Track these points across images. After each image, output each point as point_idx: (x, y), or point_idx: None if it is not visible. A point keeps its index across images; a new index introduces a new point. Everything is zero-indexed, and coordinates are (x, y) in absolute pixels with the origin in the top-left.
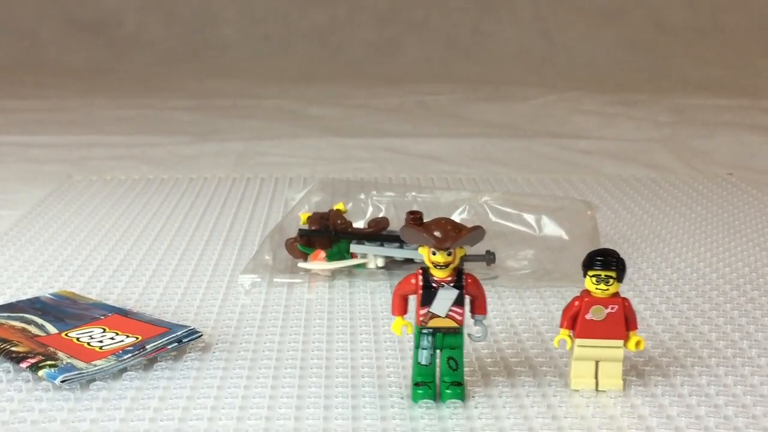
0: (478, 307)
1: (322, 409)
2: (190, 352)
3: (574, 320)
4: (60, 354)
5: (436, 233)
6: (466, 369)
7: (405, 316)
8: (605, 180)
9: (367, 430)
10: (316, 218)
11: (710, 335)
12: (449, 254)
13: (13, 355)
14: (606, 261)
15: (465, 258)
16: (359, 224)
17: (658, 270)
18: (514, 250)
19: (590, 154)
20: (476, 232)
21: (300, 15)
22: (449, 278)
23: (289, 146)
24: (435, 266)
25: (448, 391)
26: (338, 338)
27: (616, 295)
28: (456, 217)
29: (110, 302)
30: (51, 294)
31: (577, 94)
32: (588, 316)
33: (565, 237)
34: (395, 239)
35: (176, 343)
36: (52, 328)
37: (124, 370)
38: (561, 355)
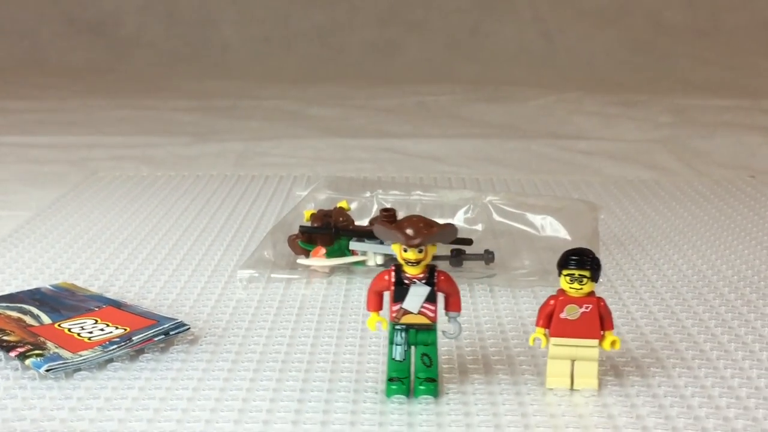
0: (452, 305)
1: (295, 402)
2: (177, 345)
3: (550, 319)
4: (49, 344)
5: (407, 230)
6: (445, 365)
7: (380, 312)
8: (606, 180)
9: (335, 424)
10: (319, 216)
11: (698, 337)
12: (420, 251)
13: (5, 344)
14: (580, 260)
15: (464, 257)
16: (364, 222)
17: (659, 270)
18: (516, 250)
19: (590, 155)
20: (447, 230)
21: (300, 15)
22: (421, 275)
23: (289, 147)
24: (407, 263)
25: (421, 387)
26: (325, 334)
27: (591, 294)
28: (460, 216)
29: (110, 294)
30: (51, 285)
31: (577, 94)
32: (562, 315)
33: (568, 238)
34: None
35: (163, 336)
36: (46, 319)
37: (111, 360)
38: (542, 354)
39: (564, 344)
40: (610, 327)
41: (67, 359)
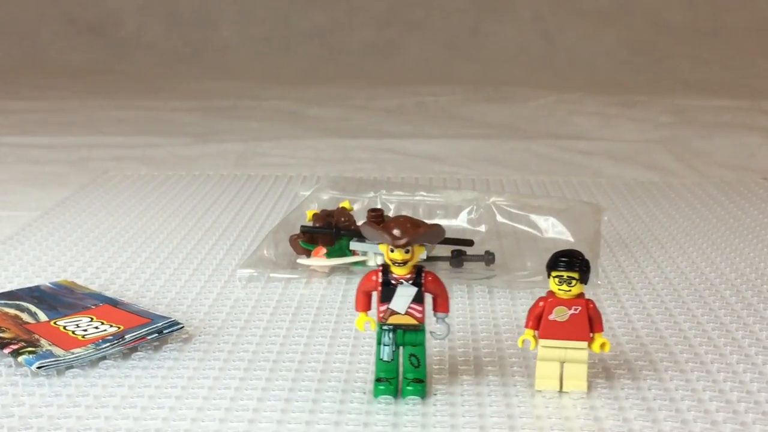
0: (440, 305)
1: (282, 402)
2: (171, 343)
3: (539, 320)
4: (42, 341)
5: (394, 231)
6: (435, 366)
7: (369, 312)
8: (614, 181)
9: (320, 423)
10: (321, 216)
11: (694, 340)
12: (407, 252)
13: None
14: (569, 262)
15: (465, 258)
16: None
17: (661, 272)
18: (518, 251)
19: (590, 155)
20: (434, 231)
21: (300, 16)
22: (408, 275)
23: (289, 147)
24: (394, 263)
25: (408, 387)
26: (319, 334)
27: (580, 296)
28: (463, 217)
29: (109, 293)
30: (51, 283)
31: (577, 95)
32: (551, 317)
33: (571, 239)
34: None
35: (156, 334)
36: (43, 316)
37: (103, 358)
38: (534, 356)
39: (553, 346)
40: (600, 329)
41: (59, 357)
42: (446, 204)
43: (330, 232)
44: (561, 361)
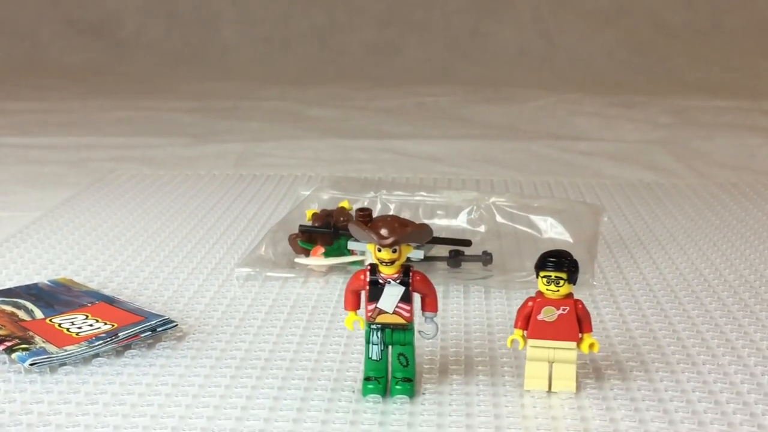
0: (428, 305)
1: (271, 400)
2: (165, 341)
3: (528, 320)
4: (37, 338)
5: (381, 230)
6: (426, 365)
7: (358, 311)
8: (615, 182)
9: (307, 422)
10: (321, 215)
11: (687, 341)
12: (394, 251)
13: None
14: (557, 262)
15: (463, 258)
16: None
17: (659, 273)
18: (517, 252)
19: (590, 156)
20: (421, 231)
21: (300, 16)
22: (395, 275)
23: (289, 148)
24: (381, 263)
25: (397, 386)
26: (312, 333)
27: (568, 296)
28: (463, 218)
29: (107, 291)
30: (49, 281)
31: (577, 95)
32: (539, 317)
33: (570, 240)
34: None
35: (150, 332)
36: (39, 314)
37: (97, 355)
38: (525, 356)
39: (541, 346)
40: (589, 329)
41: (52, 354)
42: (446, 204)
43: (328, 232)
44: (550, 361)
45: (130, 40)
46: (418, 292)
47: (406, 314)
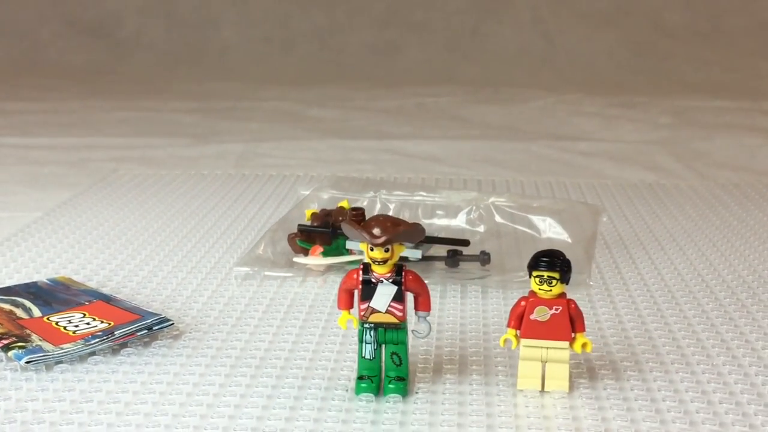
0: (421, 304)
1: (264, 399)
2: (161, 340)
3: (521, 320)
4: (33, 336)
5: (373, 230)
6: (420, 365)
7: (351, 310)
8: (616, 182)
9: (299, 420)
10: (320, 215)
11: (683, 341)
12: (387, 250)
13: None
14: (550, 262)
15: (460, 258)
16: None
17: (657, 273)
18: (516, 252)
19: (590, 156)
20: (413, 230)
21: (300, 17)
22: (388, 274)
23: (289, 148)
24: (374, 262)
25: (390, 385)
26: (308, 332)
27: (561, 296)
28: (462, 218)
29: (106, 290)
30: (48, 279)
31: (577, 96)
32: (532, 317)
33: (568, 240)
34: None
35: (146, 331)
36: (37, 312)
37: (93, 354)
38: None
39: (534, 345)
40: (581, 329)
41: (48, 352)
42: (445, 204)
43: (327, 232)
44: (543, 361)
45: (130, 41)
46: (411, 292)
47: (399, 313)
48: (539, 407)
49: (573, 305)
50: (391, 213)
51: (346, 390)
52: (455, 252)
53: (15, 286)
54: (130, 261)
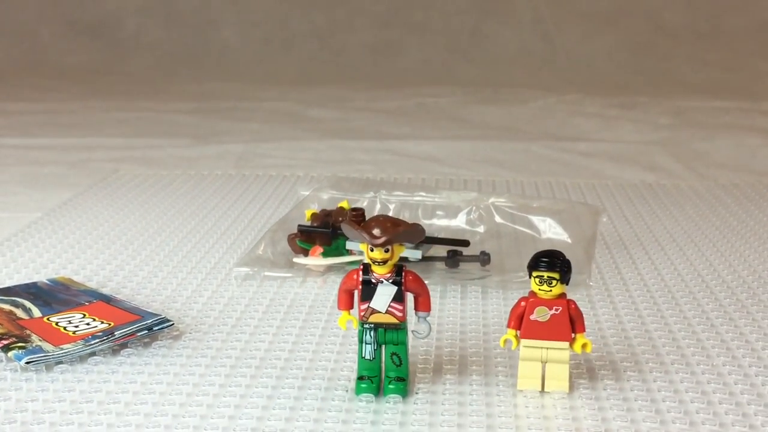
0: (421, 305)
1: (264, 399)
2: (161, 340)
3: (521, 320)
4: (33, 336)
5: (373, 230)
6: (420, 365)
7: (351, 311)
8: (616, 183)
9: (299, 420)
10: (320, 215)
11: (683, 342)
12: (387, 251)
13: None
14: (550, 262)
15: (460, 258)
16: None
17: (657, 274)
18: (516, 252)
19: (590, 157)
20: (413, 230)
21: (300, 17)
22: (388, 274)
23: (289, 148)
24: (374, 262)
25: (390, 386)
26: (308, 332)
27: (561, 296)
28: (462, 218)
29: (106, 290)
30: (48, 279)
31: (577, 96)
32: (532, 317)
33: (568, 240)
34: None
35: (146, 331)
36: (37, 312)
37: (93, 354)
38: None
39: (534, 346)
40: (581, 329)
41: (48, 352)
42: (445, 204)
43: (327, 232)
44: (543, 361)
45: (129, 41)
46: (411, 292)
47: (399, 314)
48: (539, 407)
49: (573, 306)
50: (391, 213)
51: (346, 390)
52: (455, 252)
53: (15, 286)
54: (130, 261)
